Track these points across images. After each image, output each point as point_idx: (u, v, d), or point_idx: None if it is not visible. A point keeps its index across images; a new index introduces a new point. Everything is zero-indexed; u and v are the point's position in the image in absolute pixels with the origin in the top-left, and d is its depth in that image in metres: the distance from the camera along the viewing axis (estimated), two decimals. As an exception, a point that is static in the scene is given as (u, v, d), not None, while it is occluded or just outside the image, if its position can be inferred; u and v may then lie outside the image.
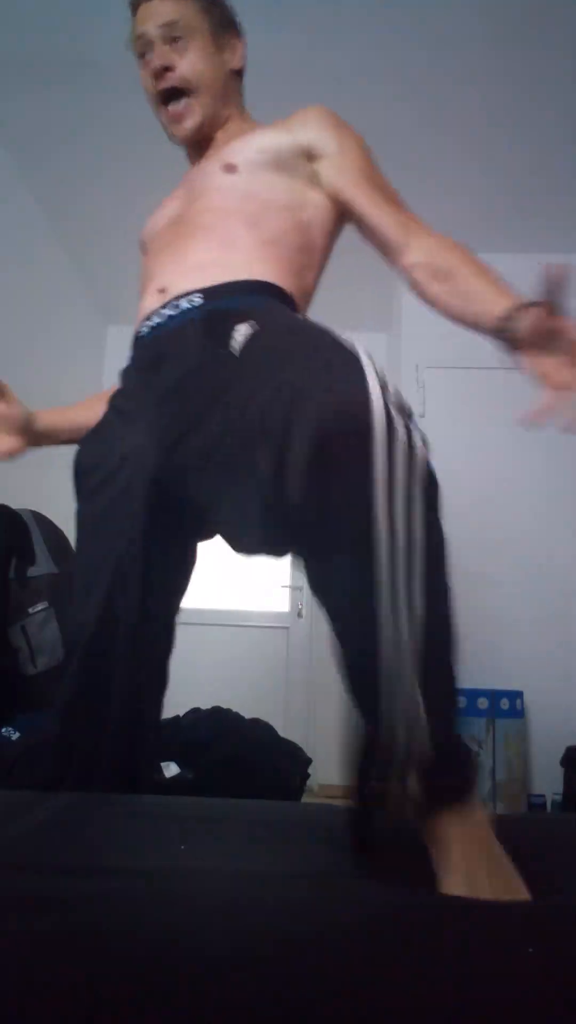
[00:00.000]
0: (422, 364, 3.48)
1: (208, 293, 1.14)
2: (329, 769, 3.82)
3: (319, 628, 4.04)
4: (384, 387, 0.81)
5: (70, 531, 3.28)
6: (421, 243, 1.19)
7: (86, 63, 2.53)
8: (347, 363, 0.84)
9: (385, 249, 1.24)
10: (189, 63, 1.24)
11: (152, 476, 1.09)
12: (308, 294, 1.31)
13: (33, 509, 2.78)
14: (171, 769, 1.98)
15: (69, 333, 3.82)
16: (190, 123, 1.28)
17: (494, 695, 2.91)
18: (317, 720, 3.93)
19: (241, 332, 1.00)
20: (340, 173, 1.26)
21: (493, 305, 1.09)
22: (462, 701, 3.20)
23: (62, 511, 3.49)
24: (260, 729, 2.24)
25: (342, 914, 0.61)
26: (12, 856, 0.74)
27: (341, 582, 0.81)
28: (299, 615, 4.16)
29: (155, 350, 1.17)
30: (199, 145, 1.33)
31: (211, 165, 1.28)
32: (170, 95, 1.26)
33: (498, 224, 3.30)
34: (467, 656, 3.02)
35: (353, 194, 1.25)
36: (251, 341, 0.98)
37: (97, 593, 1.11)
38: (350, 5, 2.26)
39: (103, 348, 4.25)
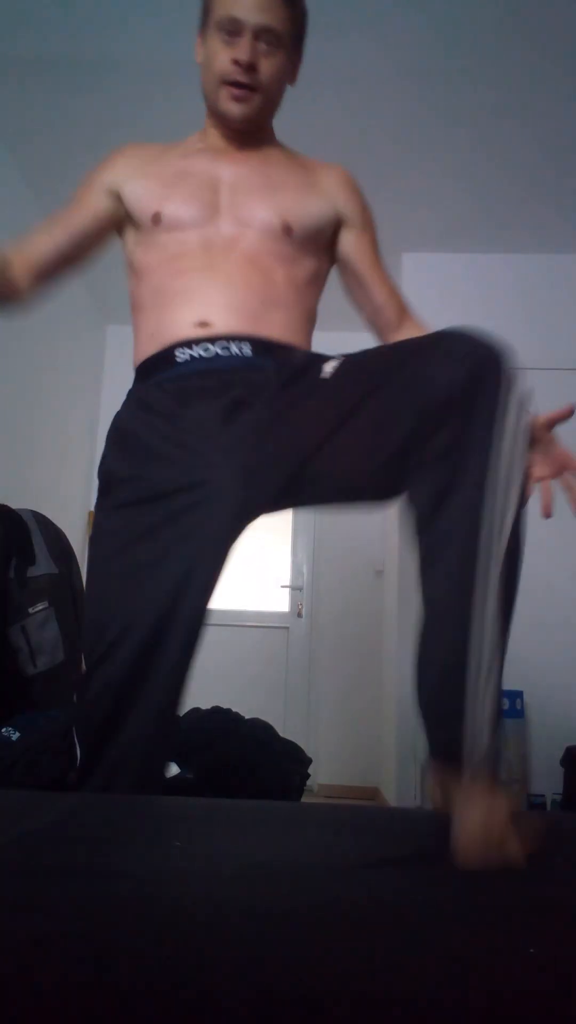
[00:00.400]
0: (422, 364, 3.48)
1: (256, 345, 1.25)
2: (329, 769, 3.83)
3: (319, 628, 4.05)
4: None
5: (70, 531, 3.28)
6: (410, 328, 1.43)
7: (87, 62, 2.53)
8: (453, 335, 1.05)
9: (379, 320, 1.47)
10: (269, 71, 1.32)
11: (238, 511, 1.19)
12: None
13: (33, 509, 2.78)
14: (171, 769, 1.98)
15: (69, 333, 3.82)
16: (247, 111, 1.35)
17: (494, 695, 2.91)
18: (317, 720, 3.93)
19: (331, 365, 1.15)
20: (361, 250, 1.44)
21: None
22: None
23: (62, 511, 3.49)
24: (260, 729, 2.24)
25: (343, 913, 0.61)
26: (12, 856, 0.74)
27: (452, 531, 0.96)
28: (299, 615, 4.16)
29: (224, 384, 1.23)
30: (237, 132, 1.40)
31: (264, 184, 1.37)
32: (239, 84, 1.32)
33: (498, 224, 3.31)
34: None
35: (369, 273, 1.46)
36: (343, 366, 1.15)
37: (156, 595, 1.16)
38: (344, 9, 2.27)
39: (103, 348, 4.25)
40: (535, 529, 3.43)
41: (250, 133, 1.40)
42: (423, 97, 2.62)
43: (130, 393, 1.38)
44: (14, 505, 2.72)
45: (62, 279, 1.45)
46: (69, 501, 3.88)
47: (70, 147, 2.93)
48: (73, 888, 0.64)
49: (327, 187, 1.40)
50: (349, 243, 1.42)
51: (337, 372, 1.14)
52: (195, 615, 1.17)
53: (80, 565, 3.11)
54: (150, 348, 1.35)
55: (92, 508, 4.71)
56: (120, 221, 1.42)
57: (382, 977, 0.50)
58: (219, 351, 1.25)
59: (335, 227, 1.40)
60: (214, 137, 1.42)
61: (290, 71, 1.38)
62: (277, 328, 1.28)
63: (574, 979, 0.51)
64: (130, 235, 1.42)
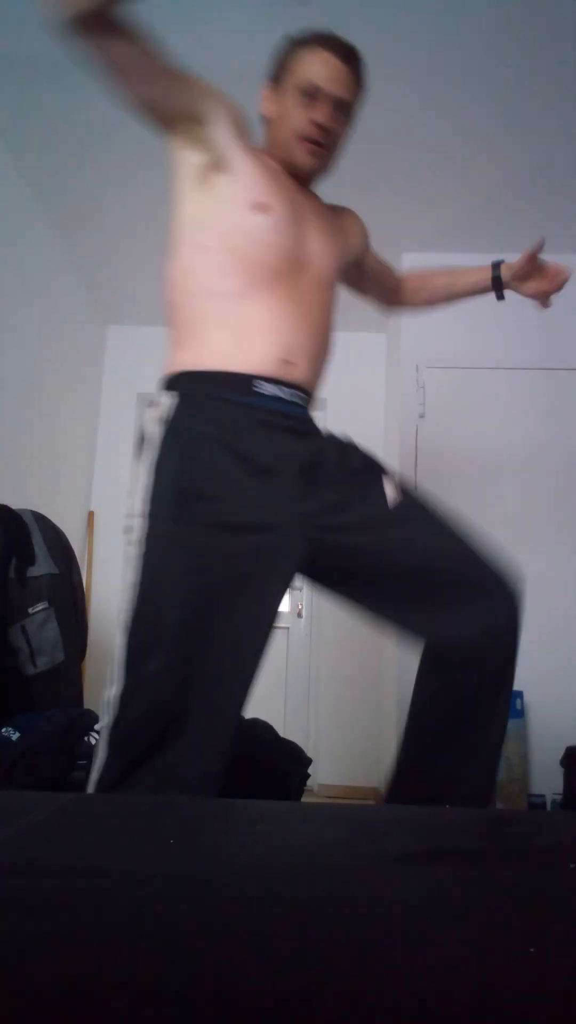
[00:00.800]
0: (422, 364, 3.48)
1: (308, 399, 1.46)
2: (329, 769, 3.83)
3: (319, 628, 4.04)
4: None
5: (70, 531, 3.28)
6: (403, 283, 1.87)
7: (86, 63, 2.52)
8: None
9: (386, 294, 1.88)
10: (338, 134, 1.53)
11: (299, 567, 1.38)
12: None
13: (33, 509, 2.79)
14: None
15: (69, 333, 3.82)
16: (318, 164, 1.54)
17: (494, 695, 2.91)
18: (317, 720, 3.93)
19: (392, 493, 1.45)
20: (376, 265, 1.82)
21: (477, 272, 1.76)
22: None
23: (62, 511, 3.49)
24: (260, 729, 2.23)
25: (343, 912, 0.61)
26: (12, 856, 0.74)
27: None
28: (299, 615, 4.16)
29: (301, 435, 1.41)
30: (299, 177, 1.55)
31: (321, 225, 1.55)
32: (316, 143, 1.49)
33: (498, 224, 3.31)
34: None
35: (382, 272, 1.84)
36: (360, 451, 1.51)
37: (233, 627, 1.25)
38: (345, 10, 2.26)
39: (103, 348, 4.25)
40: (536, 529, 3.42)
41: (307, 180, 1.57)
42: (423, 97, 2.62)
43: (197, 401, 1.35)
44: (14, 505, 2.72)
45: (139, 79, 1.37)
46: (69, 501, 3.87)
47: (70, 147, 2.93)
48: (73, 887, 0.64)
49: (352, 232, 1.69)
50: (370, 265, 1.79)
51: (401, 509, 1.43)
52: (258, 651, 1.29)
53: (80, 565, 3.11)
54: (222, 364, 1.36)
55: (92, 508, 4.72)
56: (192, 142, 1.42)
57: (382, 976, 0.50)
58: (297, 400, 1.41)
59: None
60: (278, 170, 1.51)
61: (348, 132, 1.57)
62: (318, 379, 1.51)
63: (574, 979, 0.51)
64: (204, 188, 1.41)
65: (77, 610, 2.72)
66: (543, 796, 2.98)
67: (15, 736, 2.03)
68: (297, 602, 4.16)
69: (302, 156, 1.48)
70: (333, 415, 4.23)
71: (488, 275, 1.72)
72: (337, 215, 1.66)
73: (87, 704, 2.85)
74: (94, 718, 2.22)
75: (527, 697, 3.08)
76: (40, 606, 2.50)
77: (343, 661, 3.94)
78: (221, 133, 1.38)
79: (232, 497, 1.29)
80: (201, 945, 0.53)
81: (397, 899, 0.66)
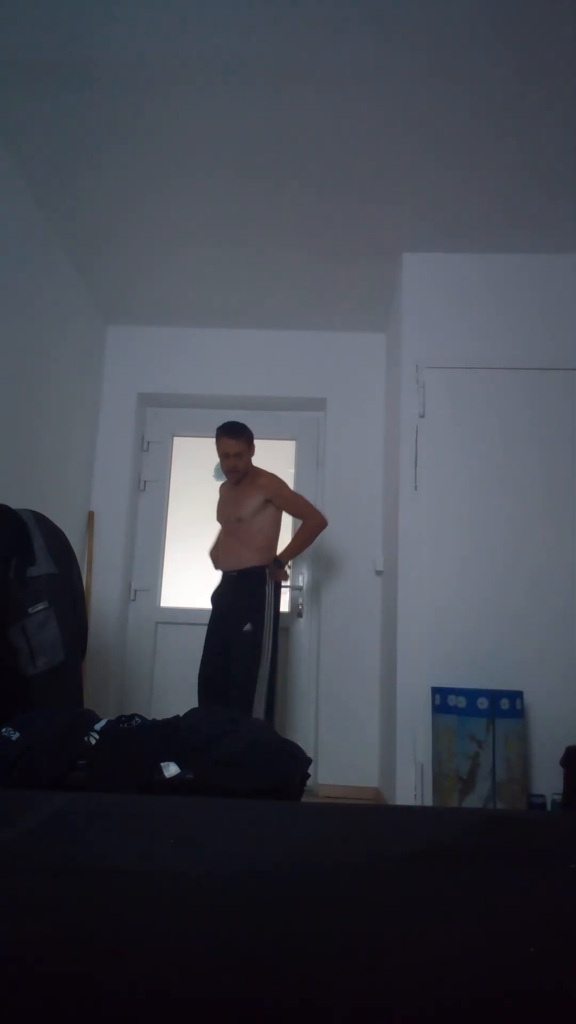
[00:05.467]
0: (422, 364, 3.48)
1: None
2: (329, 769, 3.83)
3: (319, 628, 4.05)
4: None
5: (70, 531, 3.28)
6: (306, 521, 3.51)
7: (88, 63, 2.53)
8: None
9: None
10: (242, 465, 3.47)
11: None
12: None
13: (33, 509, 2.78)
14: (171, 769, 1.98)
15: (69, 333, 3.82)
16: (235, 480, 3.51)
17: (494, 695, 2.92)
18: (317, 720, 3.93)
19: (247, 627, 3.46)
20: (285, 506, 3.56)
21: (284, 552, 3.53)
22: (462, 701, 3.20)
23: (62, 511, 3.49)
24: (260, 729, 2.24)
25: (343, 911, 0.61)
26: (12, 856, 0.74)
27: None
28: (299, 615, 4.16)
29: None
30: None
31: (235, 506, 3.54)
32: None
33: (498, 224, 3.31)
34: (467, 656, 3.08)
35: (291, 511, 3.59)
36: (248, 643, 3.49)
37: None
38: (346, 6, 2.26)
39: (103, 348, 4.25)
40: (536, 529, 3.42)
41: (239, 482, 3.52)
42: (423, 96, 2.62)
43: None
44: (14, 505, 2.72)
45: None
46: (69, 501, 3.88)
47: (70, 147, 2.93)
48: (73, 887, 0.64)
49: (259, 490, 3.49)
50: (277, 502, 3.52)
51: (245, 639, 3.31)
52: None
53: (80, 565, 3.12)
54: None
55: (92, 508, 4.73)
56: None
57: (382, 974, 0.50)
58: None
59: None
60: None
61: (250, 454, 3.50)
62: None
63: (574, 978, 0.51)
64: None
65: (77, 610, 2.72)
66: (543, 796, 2.98)
67: (15, 736, 2.03)
68: (297, 602, 4.16)
69: (228, 475, 3.59)
70: (333, 415, 4.24)
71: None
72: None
73: (87, 704, 2.85)
74: (94, 718, 2.22)
75: (527, 697, 3.08)
76: (40, 606, 2.50)
77: (343, 661, 3.94)
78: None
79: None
80: (201, 944, 0.53)
81: (397, 898, 0.66)
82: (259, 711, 3.21)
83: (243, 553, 3.37)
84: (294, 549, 3.45)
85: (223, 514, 3.54)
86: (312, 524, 3.45)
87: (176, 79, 2.58)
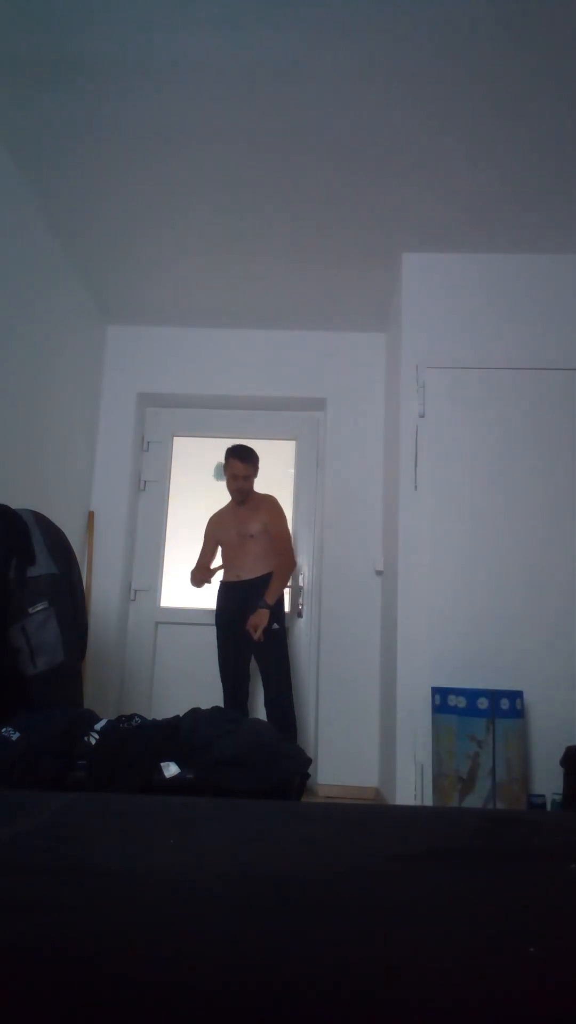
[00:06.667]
0: (422, 364, 3.48)
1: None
2: (329, 769, 3.83)
3: (319, 628, 4.05)
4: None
5: (70, 531, 3.28)
6: (280, 559, 3.68)
7: (85, 62, 2.53)
8: None
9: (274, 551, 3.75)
10: (248, 487, 3.76)
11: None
12: None
13: (33, 509, 2.78)
14: (171, 769, 1.98)
15: (69, 333, 3.82)
16: (240, 500, 3.79)
17: (494, 695, 2.92)
18: (317, 720, 3.93)
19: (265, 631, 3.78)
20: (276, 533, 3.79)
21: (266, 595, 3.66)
22: (462, 701, 3.19)
23: (62, 511, 3.49)
24: (260, 729, 2.24)
25: (343, 911, 0.61)
26: (12, 856, 0.74)
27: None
28: (299, 615, 4.16)
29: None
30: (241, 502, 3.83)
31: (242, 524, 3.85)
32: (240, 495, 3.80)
33: (498, 224, 3.31)
34: (467, 656, 3.07)
35: (275, 539, 3.79)
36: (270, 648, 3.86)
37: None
38: (350, 4, 2.26)
39: (103, 348, 4.25)
40: (536, 529, 3.42)
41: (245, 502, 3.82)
42: (423, 97, 2.62)
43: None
44: (14, 505, 2.72)
45: None
46: (69, 501, 3.88)
47: (70, 147, 2.93)
48: (73, 887, 0.64)
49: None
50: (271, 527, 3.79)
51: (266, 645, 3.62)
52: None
53: (80, 565, 3.11)
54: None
55: (92, 508, 4.73)
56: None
57: (382, 974, 0.50)
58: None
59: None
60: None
61: (255, 476, 3.78)
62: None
63: (574, 978, 0.51)
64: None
65: (77, 610, 2.72)
66: (543, 796, 2.98)
67: (15, 736, 2.03)
68: (297, 602, 4.16)
69: (235, 496, 3.84)
70: (333, 415, 4.24)
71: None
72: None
73: (87, 704, 2.85)
74: (94, 718, 2.22)
75: (527, 697, 3.08)
76: (40, 606, 2.50)
77: (343, 661, 3.94)
78: None
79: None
80: (202, 944, 0.53)
81: (397, 898, 0.66)
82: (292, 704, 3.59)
83: (261, 561, 3.71)
84: (276, 590, 3.61)
85: (230, 531, 3.82)
86: (287, 563, 3.66)
87: (174, 79, 2.58)
